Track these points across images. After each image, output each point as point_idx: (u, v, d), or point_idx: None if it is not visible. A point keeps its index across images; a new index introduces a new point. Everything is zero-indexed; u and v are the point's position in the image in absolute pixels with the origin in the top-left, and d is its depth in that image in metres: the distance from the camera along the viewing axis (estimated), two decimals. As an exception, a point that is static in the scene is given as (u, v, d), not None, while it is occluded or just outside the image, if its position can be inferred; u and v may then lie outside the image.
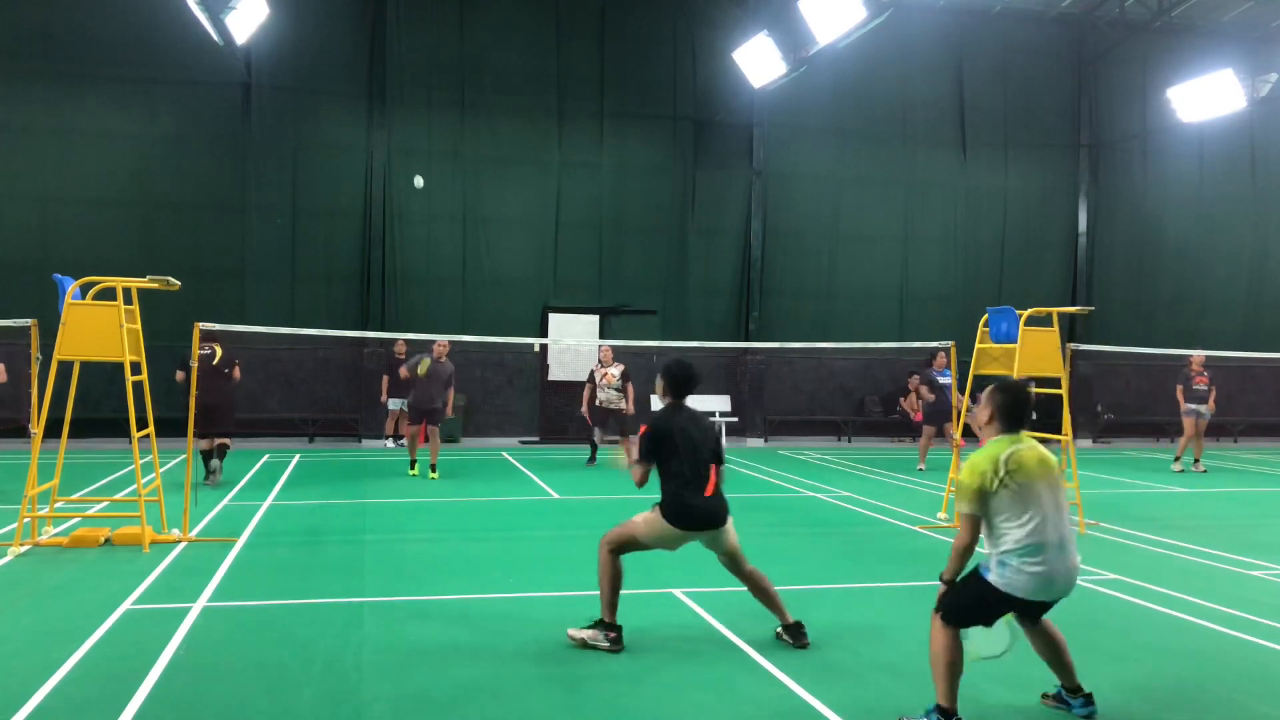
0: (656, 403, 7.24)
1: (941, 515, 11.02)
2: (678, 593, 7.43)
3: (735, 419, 20.30)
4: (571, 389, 18.95)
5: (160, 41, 17.97)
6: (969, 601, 4.76)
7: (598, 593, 6.16)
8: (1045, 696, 5.24)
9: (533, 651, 5.97)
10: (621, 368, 15.41)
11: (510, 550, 9.09)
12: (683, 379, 6.19)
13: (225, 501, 11.29)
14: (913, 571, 8.40)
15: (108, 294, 8.81)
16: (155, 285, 8.80)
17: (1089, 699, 5.04)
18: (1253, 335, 22.75)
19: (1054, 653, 5.05)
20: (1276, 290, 23.52)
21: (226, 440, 12.80)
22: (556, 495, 12.59)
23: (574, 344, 19.34)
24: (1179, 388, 16.79)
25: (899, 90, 21.42)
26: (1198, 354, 16.43)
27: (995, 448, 4.72)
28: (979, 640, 4.84)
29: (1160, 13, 21.01)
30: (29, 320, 9.85)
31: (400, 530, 10.04)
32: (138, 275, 8.98)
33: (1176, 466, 16.75)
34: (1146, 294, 22.81)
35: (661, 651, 6.01)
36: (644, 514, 6.22)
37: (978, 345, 10.96)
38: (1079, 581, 7.79)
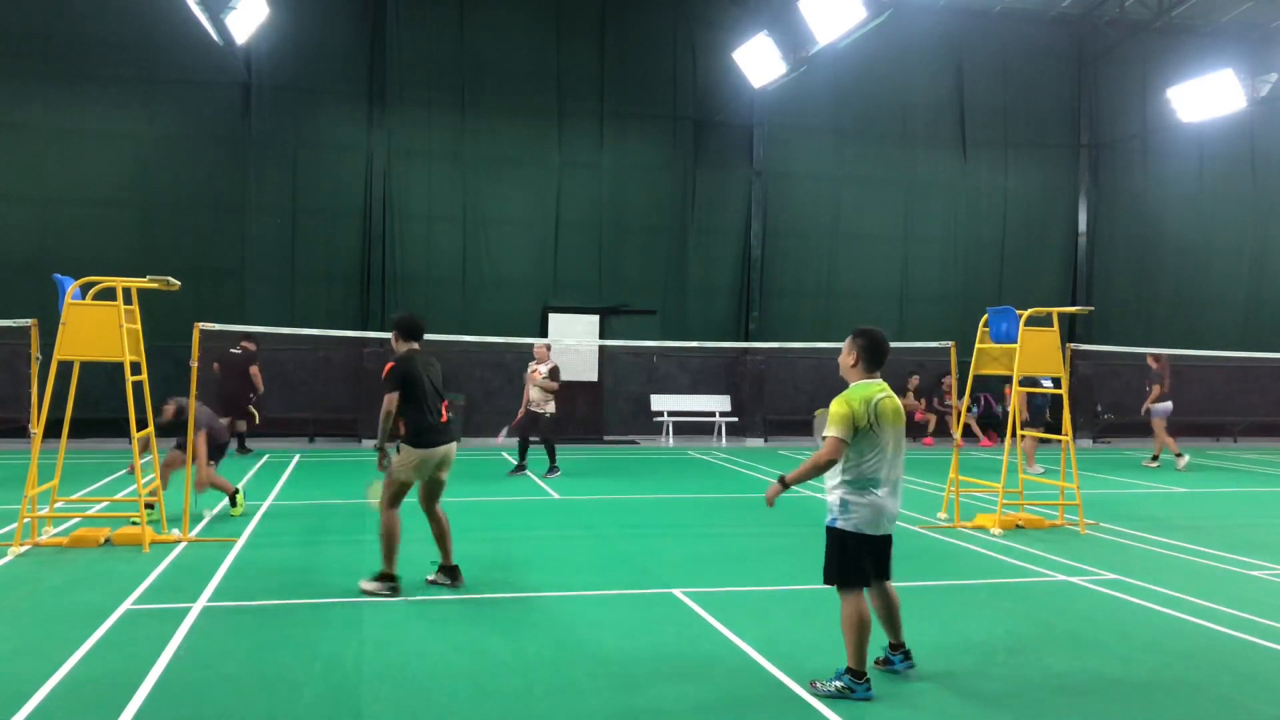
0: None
1: (941, 515, 11.02)
2: (678, 593, 7.43)
3: (735, 419, 20.31)
4: (572, 388, 18.95)
5: (160, 41, 17.97)
6: (837, 558, 5.37)
7: (598, 592, 6.16)
8: (876, 661, 5.65)
9: (532, 651, 5.97)
10: (551, 366, 14.00)
11: (510, 550, 9.08)
12: (415, 326, 7.55)
13: (225, 501, 11.28)
14: (913, 571, 8.39)
15: (108, 294, 8.81)
16: (155, 285, 8.80)
17: (908, 654, 5.66)
18: (1253, 335, 22.75)
19: (888, 611, 5.63)
20: (1276, 290, 23.51)
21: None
22: (556, 495, 12.59)
23: (574, 344, 19.33)
24: (945, 382, 17.57)
25: (899, 90, 21.41)
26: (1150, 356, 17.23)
27: (866, 390, 5.38)
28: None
29: (1160, 13, 21.01)
30: (29, 320, 9.84)
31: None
32: (138, 275, 8.99)
33: (1153, 464, 17.21)
34: (1146, 294, 22.81)
35: (661, 651, 6.01)
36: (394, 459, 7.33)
37: (978, 345, 10.95)
38: (1079, 581, 7.79)
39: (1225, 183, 23.18)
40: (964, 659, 5.96)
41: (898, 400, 5.48)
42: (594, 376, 20.20)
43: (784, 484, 5.38)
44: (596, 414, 20.12)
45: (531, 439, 14.37)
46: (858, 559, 5.31)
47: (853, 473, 5.28)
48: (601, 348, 19.74)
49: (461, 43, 19.48)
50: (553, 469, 14.18)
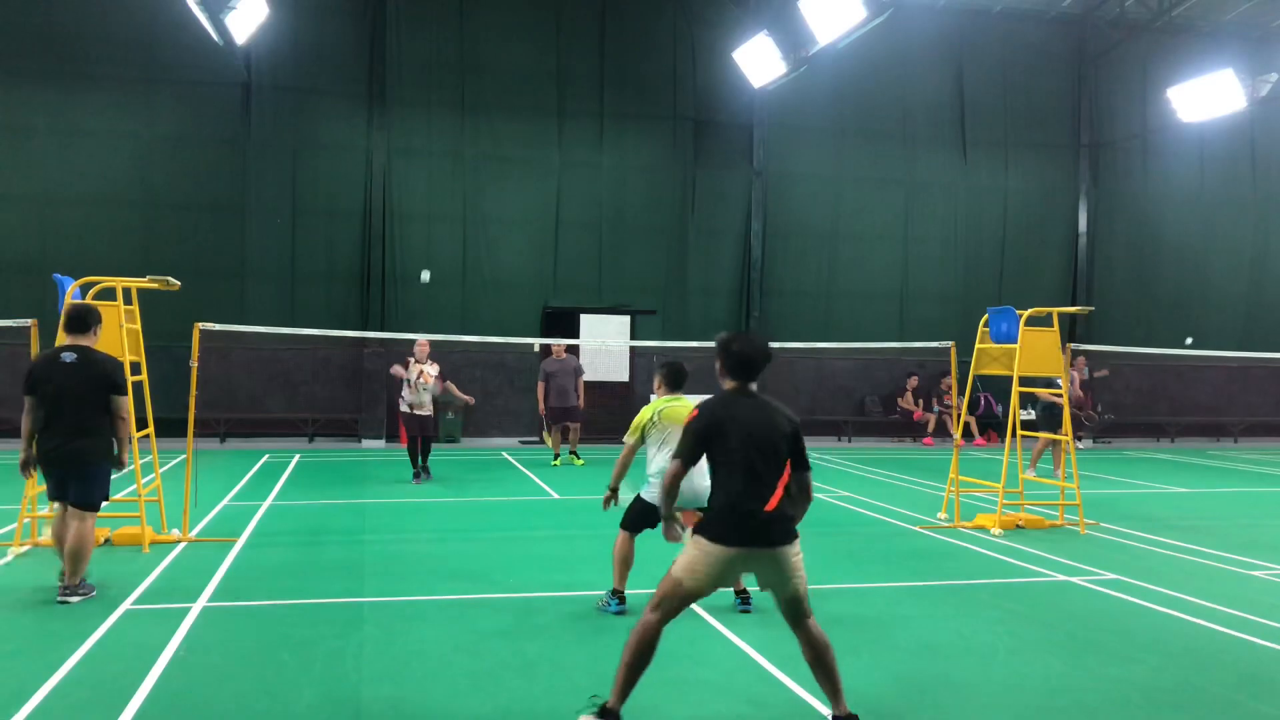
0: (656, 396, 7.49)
1: (941, 515, 11.01)
2: (678, 593, 7.41)
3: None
4: (605, 389, 19.05)
5: (160, 41, 17.97)
6: (635, 514, 6.89)
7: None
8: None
9: (532, 651, 5.97)
10: (438, 367, 13.47)
11: (510, 550, 9.08)
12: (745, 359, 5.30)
13: (225, 501, 11.29)
14: (913, 571, 8.40)
15: (108, 294, 8.81)
16: (155, 285, 8.80)
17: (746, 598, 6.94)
18: (1253, 335, 22.74)
19: (624, 562, 6.94)
20: (1276, 290, 23.51)
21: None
22: (556, 495, 12.59)
23: (602, 345, 19.23)
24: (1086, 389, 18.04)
25: (899, 90, 21.41)
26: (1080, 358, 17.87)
27: (657, 403, 7.19)
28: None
29: (1160, 13, 21.01)
30: (29, 320, 9.84)
31: (400, 530, 10.04)
32: (138, 275, 8.98)
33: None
34: (1146, 294, 22.80)
35: (661, 652, 5.99)
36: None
37: (978, 345, 10.95)
38: (1079, 581, 7.78)
39: (1225, 183, 23.18)
40: (964, 659, 5.96)
41: (689, 407, 6.36)
42: (625, 377, 20.27)
43: (611, 489, 7.00)
44: (628, 414, 20.12)
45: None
46: (651, 516, 6.74)
47: (652, 466, 6.99)
48: (632, 349, 19.72)
49: (461, 43, 19.47)
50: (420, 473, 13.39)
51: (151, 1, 17.61)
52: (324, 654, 5.84)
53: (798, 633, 4.69)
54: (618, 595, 6.88)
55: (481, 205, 19.56)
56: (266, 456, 15.83)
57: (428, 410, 13.42)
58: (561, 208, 19.96)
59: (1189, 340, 17.21)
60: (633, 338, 19.36)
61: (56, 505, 7.24)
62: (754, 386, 5.16)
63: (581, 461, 15.56)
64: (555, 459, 15.67)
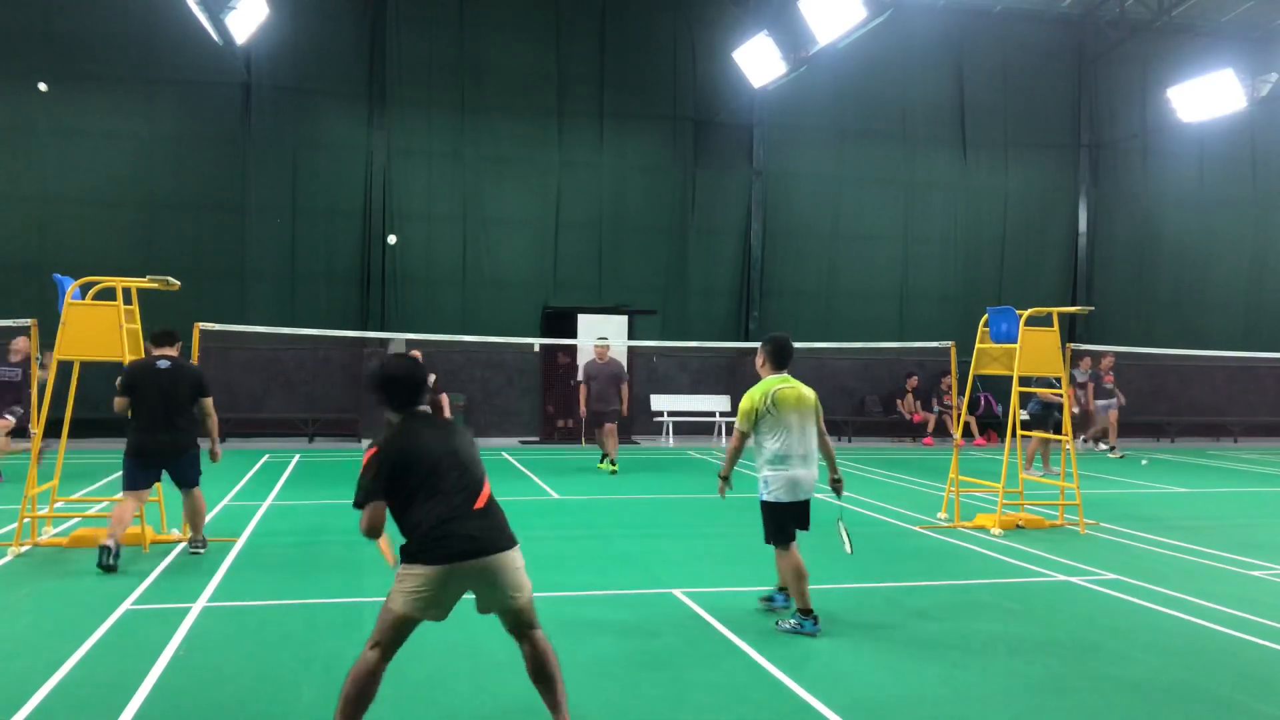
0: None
1: (942, 515, 11.01)
2: (678, 593, 7.42)
3: (735, 419, 20.28)
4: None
5: (160, 41, 17.98)
6: (768, 524, 6.47)
7: (598, 592, 6.15)
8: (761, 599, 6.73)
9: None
10: (434, 377, 13.34)
11: (510, 550, 9.06)
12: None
13: (225, 501, 11.29)
14: (913, 571, 8.40)
15: (108, 294, 8.81)
16: (155, 285, 8.81)
17: (808, 612, 6.34)
18: (1253, 335, 22.75)
19: (798, 575, 6.33)
20: (1276, 290, 23.52)
21: None
22: (556, 495, 12.59)
23: (603, 343, 19.16)
24: (1090, 386, 17.93)
25: (899, 90, 21.42)
26: (1108, 358, 18.02)
27: (765, 384, 6.48)
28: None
29: (1160, 13, 21.01)
30: (29, 320, 9.84)
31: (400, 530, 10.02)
32: (138, 275, 8.98)
33: (1086, 447, 18.02)
34: (1146, 294, 22.81)
35: (661, 652, 6.01)
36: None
37: (978, 345, 10.95)
38: (1079, 581, 7.79)
39: (1225, 183, 23.18)
40: (965, 659, 5.96)
41: (801, 389, 6.53)
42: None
43: (721, 477, 6.73)
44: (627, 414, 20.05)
45: None
46: (784, 520, 6.43)
47: (765, 453, 6.45)
48: (630, 348, 19.65)
49: (461, 42, 19.48)
50: None
51: (151, 1, 17.61)
52: (324, 654, 5.84)
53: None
54: (809, 615, 6.31)
55: (481, 205, 19.57)
56: (266, 456, 15.82)
57: None
58: (561, 208, 19.97)
59: (1144, 461, 17.55)
60: (631, 337, 19.33)
61: (126, 494, 8.16)
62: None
63: (615, 469, 14.56)
64: (601, 461, 14.88)
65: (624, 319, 19.45)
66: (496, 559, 4.25)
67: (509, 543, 4.33)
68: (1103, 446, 18.61)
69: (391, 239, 17.81)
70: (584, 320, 19.01)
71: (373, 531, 4.41)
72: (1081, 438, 18.31)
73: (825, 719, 4.99)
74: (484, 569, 4.25)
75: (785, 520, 6.43)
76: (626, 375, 15.46)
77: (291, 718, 4.90)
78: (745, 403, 6.45)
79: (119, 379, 8.29)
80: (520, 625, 4.45)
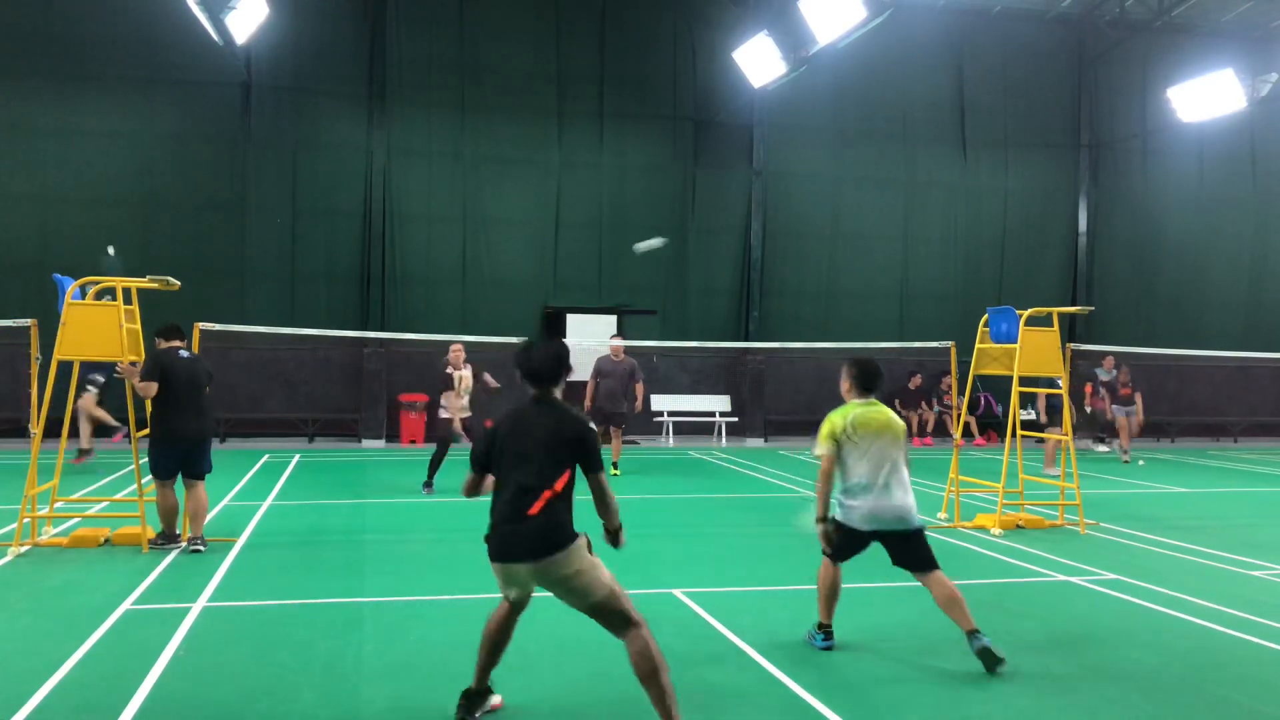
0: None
1: (941, 515, 11.01)
2: (678, 593, 7.43)
3: (735, 419, 20.30)
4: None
5: (160, 41, 17.97)
6: (836, 537, 6.08)
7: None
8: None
9: (532, 651, 5.96)
10: (472, 368, 13.04)
11: (510, 550, 9.06)
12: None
13: (225, 501, 11.29)
14: (913, 571, 8.39)
15: (108, 294, 8.81)
16: (155, 285, 8.81)
17: (977, 634, 5.79)
18: (1253, 335, 22.74)
19: (949, 603, 5.98)
20: (1276, 290, 23.51)
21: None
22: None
23: (593, 344, 19.17)
24: (1089, 387, 17.96)
25: (899, 90, 21.41)
26: (1124, 371, 17.89)
27: (847, 409, 6.16)
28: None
29: (1160, 13, 21.01)
30: (29, 320, 9.84)
31: (400, 530, 10.04)
32: (138, 275, 8.98)
33: (1125, 458, 17.65)
34: (1146, 294, 22.81)
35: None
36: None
37: (978, 345, 10.95)
38: (1079, 581, 7.78)
39: (1225, 183, 23.18)
40: (965, 659, 5.96)
41: (888, 414, 6.24)
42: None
43: (819, 519, 6.07)
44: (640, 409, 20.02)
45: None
46: (849, 541, 6.09)
47: (843, 481, 6.06)
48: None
49: (461, 43, 19.48)
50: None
51: (151, 1, 17.60)
52: (324, 654, 5.84)
53: None
54: (825, 630, 6.18)
55: (481, 205, 19.56)
56: (266, 456, 15.82)
57: (469, 413, 13.00)
58: (561, 208, 19.96)
59: (1140, 462, 17.61)
60: (621, 337, 19.30)
61: (156, 481, 8.55)
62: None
63: (618, 472, 14.22)
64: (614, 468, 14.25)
65: (613, 318, 19.45)
66: (519, 567, 4.49)
67: (529, 556, 4.46)
68: (1103, 448, 18.63)
69: (110, 250, 15.35)
70: (573, 320, 19.01)
71: (464, 493, 4.82)
72: (1113, 444, 18.39)
73: (825, 718, 4.99)
74: (511, 573, 4.54)
75: (852, 544, 6.09)
76: (641, 374, 14.83)
77: (291, 718, 4.90)
78: (826, 426, 6.08)
79: (145, 365, 8.55)
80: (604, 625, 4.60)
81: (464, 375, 12.91)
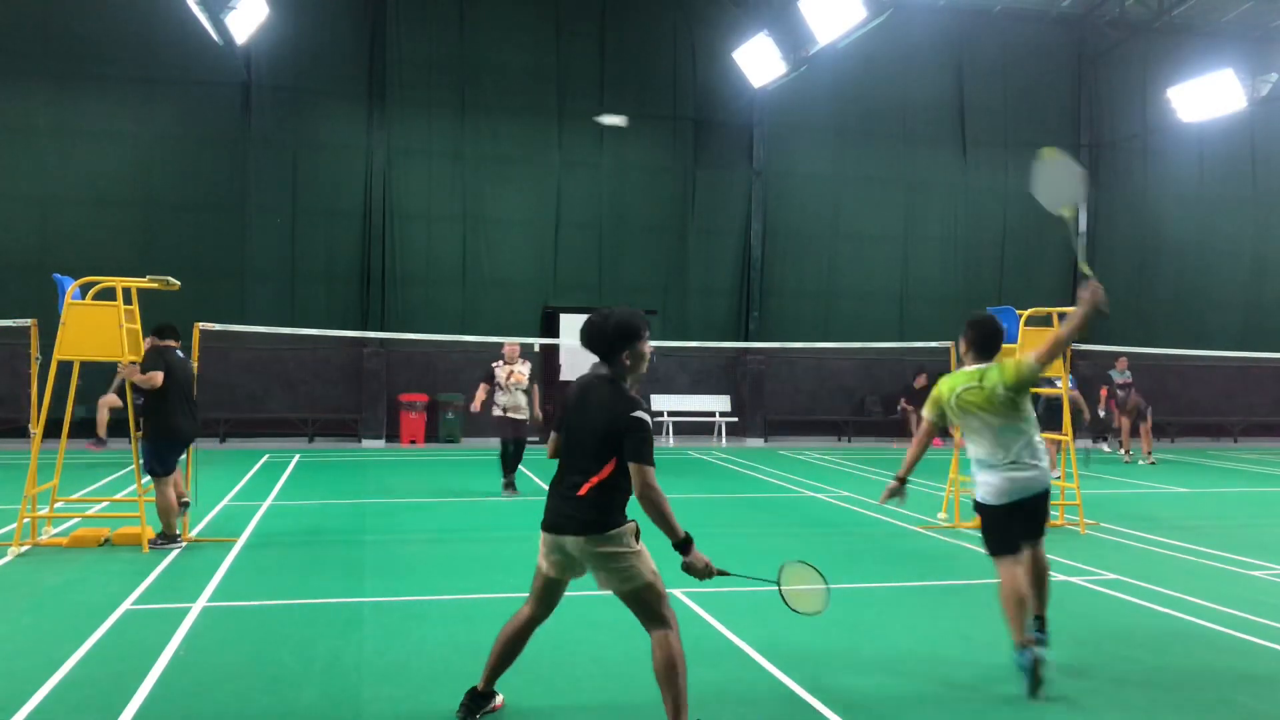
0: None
1: (941, 515, 11.01)
2: (678, 593, 7.41)
3: (735, 419, 20.30)
4: None
5: (160, 41, 17.98)
6: (983, 528, 5.63)
7: (598, 592, 6.11)
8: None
9: (532, 652, 5.96)
10: (529, 366, 12.62)
11: (510, 550, 9.07)
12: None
13: (225, 501, 11.29)
14: (913, 571, 8.39)
15: (107, 294, 8.81)
16: (155, 285, 8.81)
17: (1042, 625, 5.61)
18: (1253, 335, 22.74)
19: (1036, 580, 5.62)
20: (1276, 290, 23.52)
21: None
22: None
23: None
24: (1104, 389, 18.05)
25: (899, 90, 21.41)
26: (1122, 359, 17.94)
27: (955, 378, 5.61)
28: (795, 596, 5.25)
29: (1160, 13, 21.01)
30: (29, 320, 9.84)
31: (400, 530, 10.04)
32: (138, 275, 8.98)
33: (1127, 458, 17.63)
34: (1147, 294, 22.81)
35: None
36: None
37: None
38: (1079, 581, 7.77)
39: (1225, 183, 23.18)
40: (965, 659, 5.96)
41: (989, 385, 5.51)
42: None
43: (898, 478, 5.69)
44: None
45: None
46: (996, 523, 5.53)
47: (971, 456, 5.62)
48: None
49: (461, 42, 19.48)
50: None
51: (151, 1, 17.61)
52: (324, 654, 5.84)
53: None
54: (1028, 646, 5.32)
55: (481, 205, 19.56)
56: (266, 456, 15.83)
57: (523, 414, 12.23)
58: (561, 208, 19.97)
59: (1141, 461, 17.47)
60: None
61: (156, 480, 8.66)
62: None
63: None
64: None
65: None
66: (566, 540, 4.48)
67: (578, 529, 4.45)
68: (1106, 449, 18.60)
69: None
70: (565, 320, 19.03)
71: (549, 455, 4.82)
72: (1122, 448, 18.29)
73: (825, 718, 4.99)
74: (559, 545, 4.50)
75: (1000, 524, 5.51)
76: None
77: (292, 718, 4.90)
78: (935, 391, 5.67)
79: (147, 358, 8.64)
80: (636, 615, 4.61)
81: (515, 370, 12.33)
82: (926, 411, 5.68)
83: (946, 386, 5.59)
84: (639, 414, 4.44)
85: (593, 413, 4.52)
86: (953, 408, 5.53)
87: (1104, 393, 18.12)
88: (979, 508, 5.60)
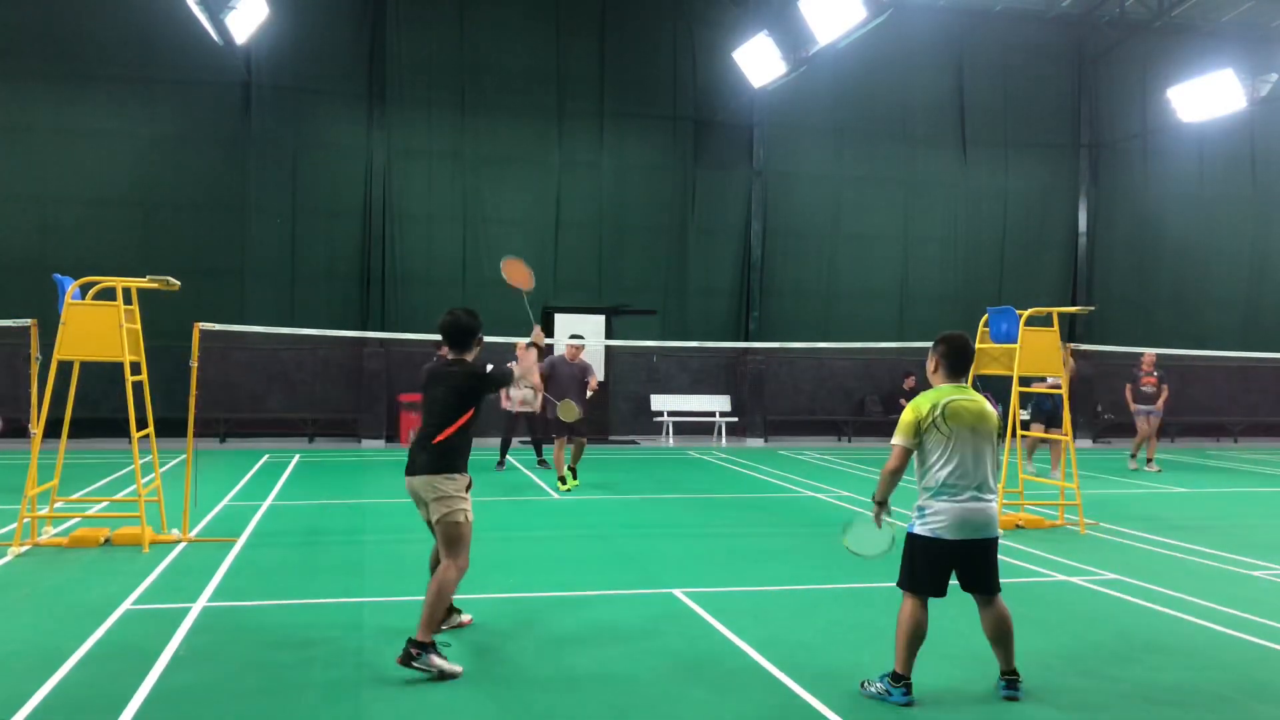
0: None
1: (941, 515, 10.98)
2: (678, 593, 7.42)
3: (735, 419, 20.30)
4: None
5: (160, 41, 17.98)
6: (913, 562, 5.22)
7: (598, 592, 6.15)
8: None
9: (532, 651, 5.97)
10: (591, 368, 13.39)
11: (510, 550, 9.07)
12: None
13: (225, 501, 11.30)
14: (913, 571, 8.38)
15: (108, 294, 8.81)
16: (155, 285, 8.80)
17: (1012, 682, 5.28)
18: (1253, 335, 22.75)
19: (1000, 636, 5.30)
20: (1277, 290, 23.51)
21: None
22: (556, 495, 12.59)
23: (593, 344, 19.18)
24: (1128, 387, 16.89)
25: (899, 90, 21.41)
26: (1149, 354, 16.71)
27: (935, 393, 5.29)
28: (859, 537, 5.55)
29: (1160, 13, 21.01)
30: (29, 320, 9.83)
31: (400, 530, 10.03)
32: (138, 275, 8.98)
33: (1132, 464, 16.63)
34: (1146, 294, 22.81)
35: (661, 652, 6.01)
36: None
37: (978, 345, 10.93)
38: (1079, 581, 7.77)
39: (1225, 183, 23.18)
40: (965, 659, 5.96)
41: (983, 404, 5.33)
42: (600, 376, 20.14)
43: (876, 503, 5.49)
44: (602, 414, 20.08)
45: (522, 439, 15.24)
46: (935, 563, 5.19)
47: (930, 481, 5.21)
48: (607, 348, 19.65)
49: (461, 43, 19.49)
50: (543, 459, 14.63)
51: (151, 1, 17.61)
52: (324, 654, 5.84)
53: None
54: (902, 682, 5.14)
55: (481, 205, 19.57)
56: (266, 456, 15.82)
57: (529, 407, 14.02)
58: (561, 208, 19.97)
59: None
60: (609, 337, 19.34)
61: None
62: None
63: (576, 483, 13.01)
64: (560, 479, 12.98)
65: (600, 318, 19.47)
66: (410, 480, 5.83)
67: (417, 470, 5.79)
68: (1134, 464, 16.63)
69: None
70: (560, 320, 19.06)
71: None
72: (1130, 455, 16.94)
73: (825, 718, 4.99)
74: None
75: (941, 564, 5.16)
76: (593, 374, 13.86)
77: (291, 718, 4.90)
78: (909, 413, 5.23)
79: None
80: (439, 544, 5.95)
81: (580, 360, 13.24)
82: (901, 439, 5.24)
83: (927, 402, 5.22)
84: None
85: (439, 380, 6.09)
86: (939, 419, 5.13)
87: (1129, 392, 16.84)
88: (918, 540, 5.18)
